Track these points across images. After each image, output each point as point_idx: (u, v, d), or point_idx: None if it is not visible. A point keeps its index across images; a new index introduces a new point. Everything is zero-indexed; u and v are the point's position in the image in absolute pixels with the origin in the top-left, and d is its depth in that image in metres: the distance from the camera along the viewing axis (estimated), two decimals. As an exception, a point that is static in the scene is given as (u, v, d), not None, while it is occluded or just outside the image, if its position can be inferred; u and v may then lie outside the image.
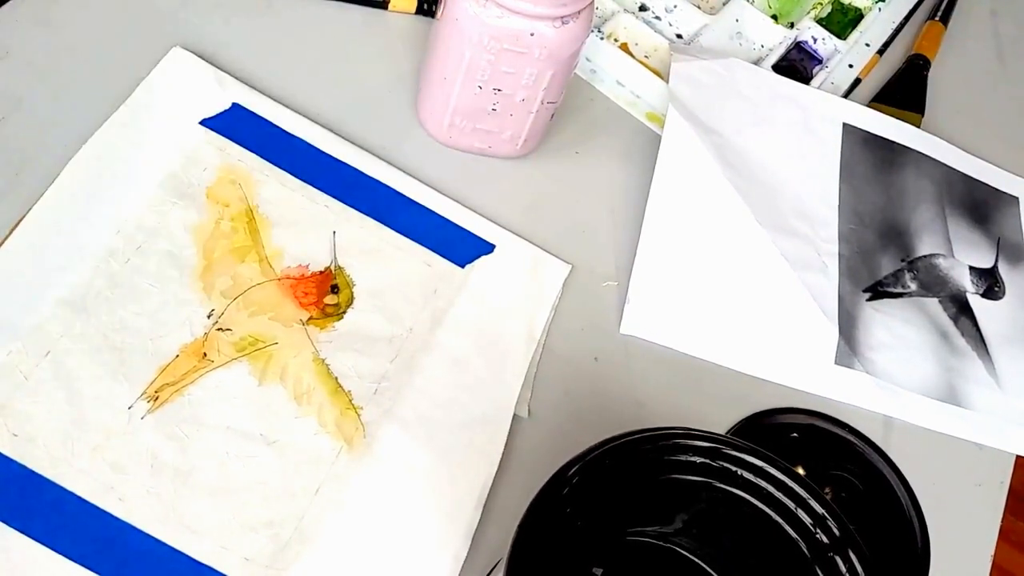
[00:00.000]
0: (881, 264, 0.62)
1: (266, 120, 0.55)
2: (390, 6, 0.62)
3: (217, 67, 0.56)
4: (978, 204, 0.67)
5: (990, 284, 0.64)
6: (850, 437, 0.55)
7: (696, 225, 0.59)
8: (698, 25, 0.68)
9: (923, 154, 0.68)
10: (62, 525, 0.42)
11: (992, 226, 0.67)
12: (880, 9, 0.74)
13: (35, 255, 0.48)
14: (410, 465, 0.48)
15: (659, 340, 0.56)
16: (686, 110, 0.62)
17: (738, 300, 0.58)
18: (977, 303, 0.63)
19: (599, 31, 0.65)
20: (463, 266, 0.54)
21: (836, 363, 0.57)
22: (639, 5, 0.69)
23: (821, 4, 0.72)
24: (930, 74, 0.72)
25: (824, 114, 0.66)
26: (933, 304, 0.62)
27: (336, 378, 0.49)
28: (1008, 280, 0.65)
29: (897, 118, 0.68)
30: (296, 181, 0.54)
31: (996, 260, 0.65)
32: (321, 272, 0.52)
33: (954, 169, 0.68)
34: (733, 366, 0.56)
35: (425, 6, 0.62)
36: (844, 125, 0.67)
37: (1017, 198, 0.69)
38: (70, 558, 0.42)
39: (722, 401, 0.55)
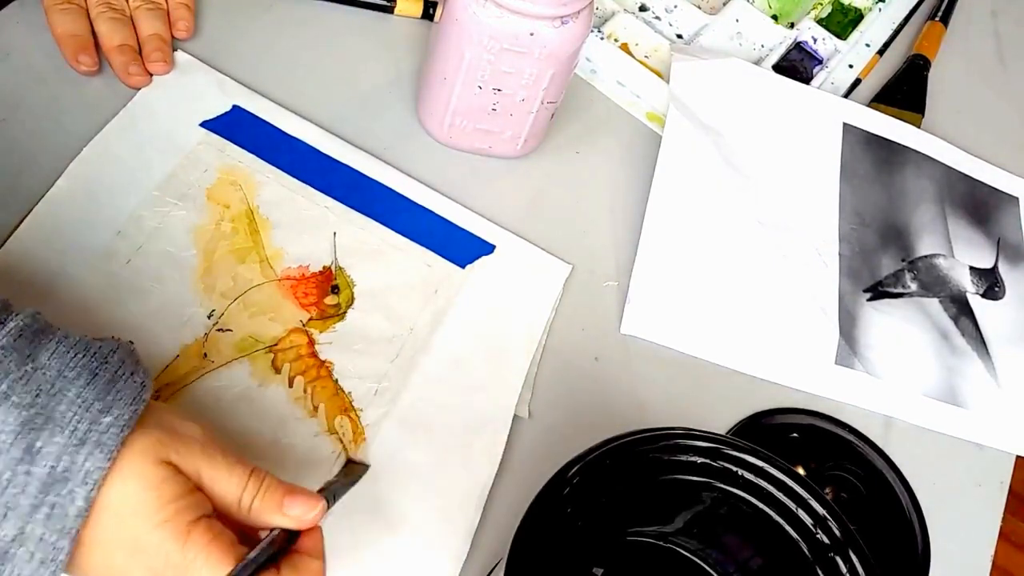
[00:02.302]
0: (881, 264, 0.62)
1: (266, 122, 0.55)
2: (396, 10, 0.62)
3: (217, 70, 0.56)
4: (978, 204, 0.67)
5: (990, 284, 0.64)
6: (850, 437, 0.55)
7: (697, 225, 0.59)
8: (698, 25, 0.68)
9: (923, 154, 0.68)
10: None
11: (992, 226, 0.67)
12: (880, 9, 0.74)
13: (35, 256, 0.48)
14: (410, 465, 0.48)
15: (659, 340, 0.56)
16: (687, 110, 0.62)
17: (738, 300, 0.58)
18: (977, 303, 0.63)
19: (599, 31, 0.65)
20: (463, 266, 0.54)
21: (836, 363, 0.57)
22: (639, 5, 0.69)
23: (821, 4, 0.72)
24: (930, 74, 0.72)
25: (824, 114, 0.67)
26: (933, 304, 0.62)
27: (336, 379, 0.49)
28: (1008, 280, 0.65)
29: (897, 118, 0.68)
30: (296, 182, 0.54)
31: (996, 260, 0.65)
32: (321, 272, 0.52)
33: (954, 169, 0.68)
34: (733, 366, 0.56)
35: (431, 10, 0.62)
36: (844, 125, 0.67)
37: (1017, 198, 0.69)
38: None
39: (722, 401, 0.55)
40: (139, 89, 0.54)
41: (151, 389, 0.38)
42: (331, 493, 0.42)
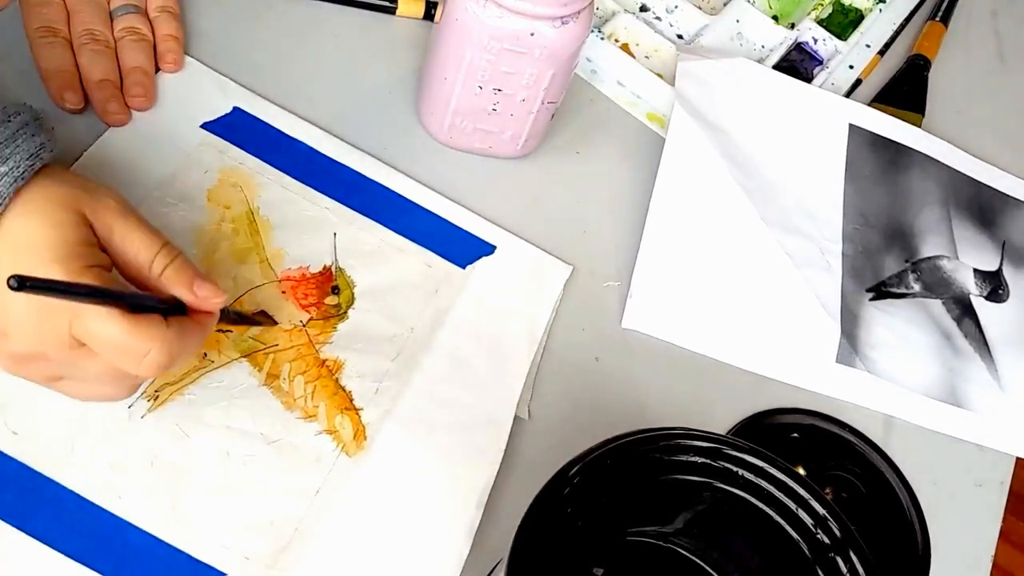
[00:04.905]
0: (885, 264, 0.62)
1: (267, 123, 0.55)
2: (398, 11, 0.62)
3: (218, 71, 0.56)
4: (984, 207, 0.67)
5: (994, 287, 0.64)
6: (850, 437, 0.55)
7: (699, 222, 0.59)
8: (699, 25, 0.68)
9: (929, 156, 0.68)
10: (62, 523, 0.42)
11: (997, 229, 0.67)
12: (881, 10, 0.74)
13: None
14: (411, 465, 0.48)
15: (660, 335, 0.55)
16: (692, 108, 0.62)
17: (740, 297, 0.58)
18: (981, 305, 0.63)
19: (599, 31, 0.65)
20: (464, 267, 0.54)
21: (837, 361, 0.57)
22: (640, 5, 0.69)
23: (822, 5, 0.72)
24: (930, 74, 0.72)
25: (830, 114, 0.66)
26: (936, 305, 0.62)
27: (337, 379, 0.49)
28: (1012, 283, 0.65)
29: (898, 118, 0.68)
30: (296, 183, 0.54)
31: (1001, 263, 0.65)
32: (321, 273, 0.52)
33: (960, 172, 0.68)
34: (735, 363, 0.56)
35: (432, 11, 0.62)
36: (850, 126, 0.67)
37: (1023, 201, 0.69)
38: (69, 556, 0.42)
39: (723, 401, 0.55)
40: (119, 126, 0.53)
41: (52, 151, 0.41)
42: (232, 311, 0.46)
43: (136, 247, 0.41)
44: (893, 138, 0.67)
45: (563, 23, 0.50)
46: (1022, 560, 1.19)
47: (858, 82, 0.70)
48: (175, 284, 0.41)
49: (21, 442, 0.44)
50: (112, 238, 0.40)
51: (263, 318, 0.49)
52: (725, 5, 0.70)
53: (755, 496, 0.40)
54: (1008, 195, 0.69)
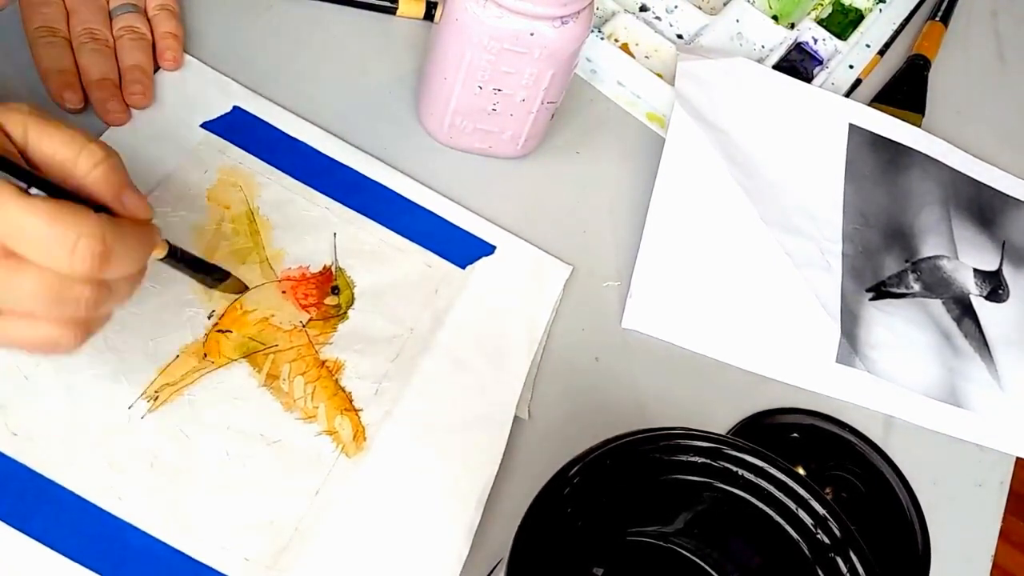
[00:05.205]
0: (885, 264, 0.62)
1: (267, 123, 0.55)
2: (398, 11, 0.62)
3: (218, 71, 0.56)
4: (983, 207, 0.67)
5: (994, 287, 0.64)
6: (850, 437, 0.55)
7: (700, 221, 0.59)
8: (699, 25, 0.68)
9: (929, 156, 0.68)
10: (61, 524, 0.42)
11: (997, 229, 0.67)
12: (881, 10, 0.74)
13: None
14: (411, 465, 0.48)
15: (660, 335, 0.55)
16: (692, 108, 0.62)
17: (740, 297, 0.58)
18: (981, 305, 0.63)
19: (599, 31, 0.65)
20: (464, 267, 0.54)
21: (837, 361, 0.57)
22: (639, 5, 0.69)
23: (822, 5, 0.72)
24: (930, 74, 0.72)
25: (830, 115, 0.67)
26: (936, 305, 0.62)
27: (337, 379, 0.49)
28: (1012, 283, 0.65)
29: (897, 118, 0.68)
30: (297, 183, 0.54)
31: (1001, 263, 0.65)
32: (321, 273, 0.52)
33: (960, 172, 0.68)
34: (734, 363, 0.56)
35: (432, 11, 0.62)
36: (850, 126, 0.67)
37: (1023, 202, 0.69)
38: (69, 557, 0.42)
39: (723, 401, 0.55)
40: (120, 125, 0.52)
41: None
42: (179, 250, 0.42)
43: (55, 143, 0.36)
44: (893, 138, 0.67)
45: (563, 23, 0.50)
46: (1022, 560, 1.19)
47: (858, 82, 0.70)
48: (102, 188, 0.36)
49: (21, 443, 0.44)
50: (28, 140, 0.36)
51: (228, 276, 0.47)
52: (725, 5, 0.70)
53: (755, 496, 0.40)
54: (1008, 195, 0.69)
